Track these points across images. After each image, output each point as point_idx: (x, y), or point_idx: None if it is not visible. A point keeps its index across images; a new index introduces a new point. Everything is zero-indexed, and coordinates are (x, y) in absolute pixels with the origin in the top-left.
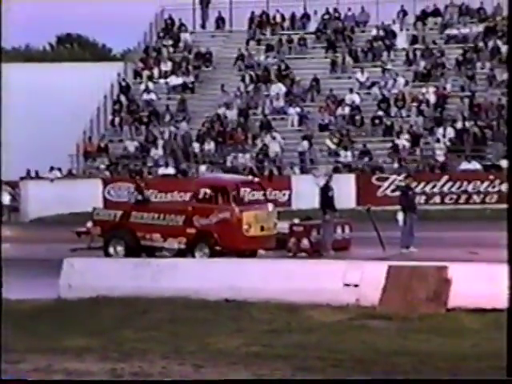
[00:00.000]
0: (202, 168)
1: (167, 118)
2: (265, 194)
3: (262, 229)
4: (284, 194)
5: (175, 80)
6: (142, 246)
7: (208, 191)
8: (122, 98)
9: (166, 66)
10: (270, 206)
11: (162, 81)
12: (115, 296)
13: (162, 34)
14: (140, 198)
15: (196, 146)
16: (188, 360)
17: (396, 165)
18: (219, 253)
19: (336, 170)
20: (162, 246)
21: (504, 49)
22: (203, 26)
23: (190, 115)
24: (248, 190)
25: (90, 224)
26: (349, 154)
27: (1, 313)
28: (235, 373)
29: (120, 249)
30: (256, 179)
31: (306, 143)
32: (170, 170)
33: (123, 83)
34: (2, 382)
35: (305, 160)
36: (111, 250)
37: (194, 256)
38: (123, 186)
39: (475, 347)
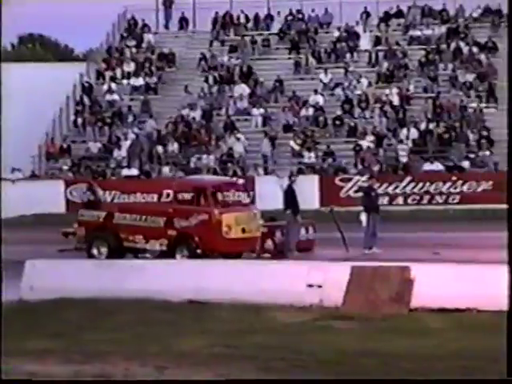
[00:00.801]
0: (165, 169)
1: (130, 118)
2: (249, 196)
3: (244, 231)
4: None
5: (138, 81)
6: (125, 248)
7: (188, 193)
8: (85, 99)
9: (129, 67)
10: (254, 208)
11: (124, 81)
12: (78, 298)
13: (124, 35)
14: (92, 198)
15: (159, 147)
16: (151, 361)
17: (359, 166)
18: (200, 255)
19: (300, 171)
20: (145, 247)
21: (466, 50)
22: (166, 27)
23: (153, 116)
24: (231, 191)
25: (76, 225)
26: (312, 154)
27: (1, 312)
28: (199, 374)
29: (104, 250)
30: (240, 180)
31: (269, 144)
32: (133, 172)
33: (86, 84)
34: (1, 382)
35: (268, 161)
36: (94, 251)
37: (174, 257)
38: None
39: (438, 347)
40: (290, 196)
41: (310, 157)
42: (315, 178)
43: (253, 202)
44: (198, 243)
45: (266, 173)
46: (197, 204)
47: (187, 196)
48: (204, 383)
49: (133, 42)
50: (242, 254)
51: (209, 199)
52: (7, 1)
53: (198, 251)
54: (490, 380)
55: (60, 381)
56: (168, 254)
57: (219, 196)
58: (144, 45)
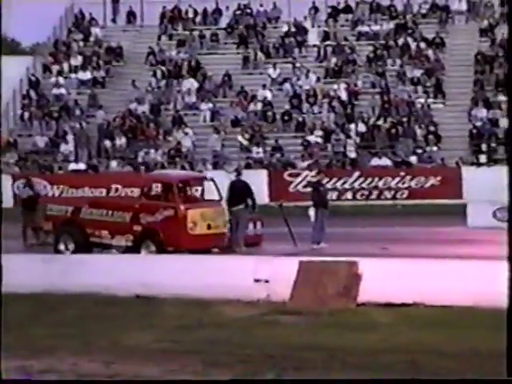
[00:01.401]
0: (113, 164)
1: (77, 112)
2: (218, 191)
3: (209, 227)
4: (196, 190)
5: (85, 75)
6: (92, 243)
7: (155, 188)
8: (32, 93)
9: (77, 61)
10: (218, 204)
11: (72, 75)
12: (24, 292)
13: (72, 29)
14: (31, 193)
15: (107, 141)
16: (98, 356)
17: (307, 161)
18: (166, 251)
19: (248, 166)
20: (110, 243)
21: (413, 46)
22: (114, 21)
23: (103, 107)
24: (198, 186)
25: (43, 219)
26: (261, 149)
27: (1, 312)
28: (146, 369)
29: (71, 245)
30: (209, 176)
31: (219, 139)
32: (81, 166)
33: (32, 78)
34: (2, 382)
35: (218, 156)
36: (61, 246)
37: (139, 253)
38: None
39: (384, 341)
40: (239, 190)
41: (258, 152)
42: (264, 173)
43: (202, 196)
44: (163, 239)
45: (215, 167)
46: (164, 199)
47: (154, 191)
48: (204, 383)
49: (80, 36)
50: (210, 251)
51: (175, 194)
52: (7, 1)
53: (164, 247)
54: (490, 380)
55: (60, 381)
56: (133, 249)
57: (186, 191)
58: (91, 39)
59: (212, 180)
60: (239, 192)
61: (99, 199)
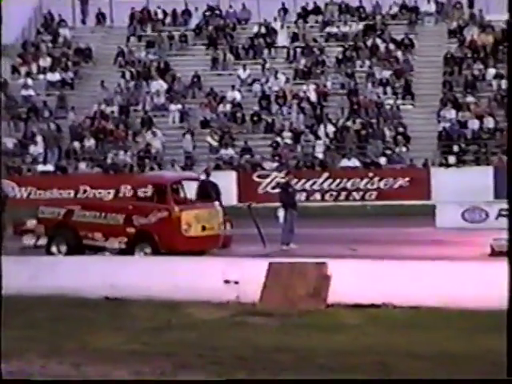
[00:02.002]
0: (82, 165)
1: (46, 114)
2: (212, 192)
3: (204, 228)
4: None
5: (54, 76)
6: (84, 245)
7: (148, 189)
8: (0, 95)
9: (45, 62)
10: (217, 205)
11: (40, 76)
12: None
13: (40, 30)
14: None
15: (76, 142)
16: (67, 359)
17: (276, 162)
18: (161, 253)
19: (217, 167)
20: (104, 245)
21: (382, 47)
22: (83, 22)
23: (69, 111)
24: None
25: (34, 222)
26: (230, 151)
27: (1, 310)
28: (116, 371)
29: (63, 248)
30: (195, 175)
31: (191, 140)
32: (49, 167)
33: (0, 79)
34: (2, 382)
35: (190, 157)
36: (54, 249)
37: (133, 255)
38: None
39: (354, 342)
40: (207, 191)
41: (227, 153)
42: (233, 174)
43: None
44: (157, 241)
45: (184, 169)
46: (157, 201)
47: (147, 193)
48: (204, 383)
49: (49, 37)
50: (204, 252)
51: (168, 196)
52: (7, 1)
53: (159, 249)
54: (490, 380)
55: (60, 381)
56: (127, 251)
57: (179, 193)
58: (60, 40)
59: (204, 181)
60: (208, 193)
61: (92, 201)
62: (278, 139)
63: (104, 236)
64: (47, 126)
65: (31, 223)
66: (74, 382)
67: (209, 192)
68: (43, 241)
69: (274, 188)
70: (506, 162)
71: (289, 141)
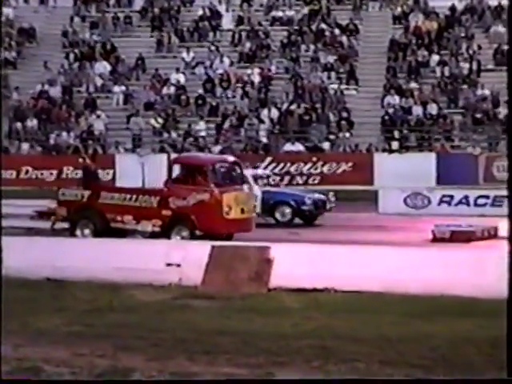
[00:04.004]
0: (24, 146)
1: None
2: (242, 174)
3: (243, 211)
4: (108, 173)
5: None
6: (112, 229)
7: (185, 170)
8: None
9: None
10: (247, 187)
11: None
12: None
13: None
14: None
15: (18, 123)
16: (8, 339)
17: (220, 146)
18: (199, 236)
19: (161, 150)
20: (135, 228)
21: (327, 32)
22: (26, 1)
23: (12, 91)
24: (228, 169)
25: (53, 204)
26: (174, 134)
27: (1, 307)
28: (55, 352)
29: (87, 231)
30: (232, 158)
31: (142, 122)
32: None
33: None
34: (2, 381)
35: (138, 139)
36: (78, 232)
37: (169, 239)
38: None
39: (295, 326)
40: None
41: (170, 136)
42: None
43: (113, 179)
44: (196, 224)
45: (127, 151)
46: (193, 183)
47: (182, 174)
48: (204, 383)
49: None
50: (233, 236)
51: (208, 178)
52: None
53: (197, 232)
54: (490, 380)
55: (60, 381)
56: (161, 234)
57: (217, 174)
58: (3, 19)
59: (237, 163)
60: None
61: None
62: (222, 122)
63: (135, 219)
64: None
65: (50, 205)
66: (74, 382)
67: (242, 175)
68: (62, 224)
69: None
70: (447, 149)
71: (233, 124)
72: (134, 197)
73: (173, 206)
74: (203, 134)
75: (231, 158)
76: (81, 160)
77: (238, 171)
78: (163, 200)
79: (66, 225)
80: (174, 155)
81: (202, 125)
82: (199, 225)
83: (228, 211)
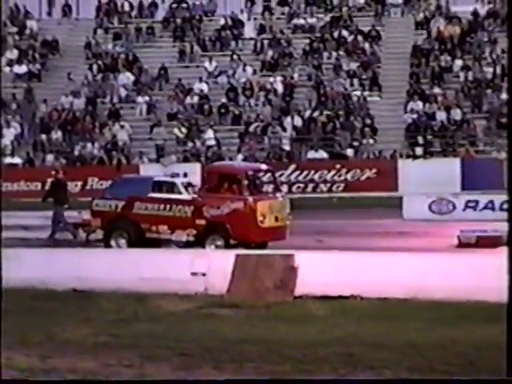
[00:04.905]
0: (49, 157)
1: (13, 106)
2: (275, 183)
3: (277, 219)
4: (76, 185)
5: (21, 68)
6: (147, 239)
7: (218, 179)
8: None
9: (12, 54)
10: (280, 195)
11: (7, 69)
12: None
13: (7, 22)
14: None
15: (43, 135)
16: (34, 351)
17: (242, 154)
18: (234, 245)
19: (185, 160)
20: (169, 238)
21: (349, 39)
22: (49, 14)
23: (36, 104)
24: (261, 178)
25: (87, 216)
26: (197, 143)
27: (1, 309)
28: (82, 363)
29: (122, 241)
30: (265, 167)
31: (160, 132)
32: (16, 160)
33: None
34: (2, 382)
35: (162, 149)
36: (113, 242)
37: (204, 248)
38: None
39: (321, 334)
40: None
41: (194, 145)
42: (198, 167)
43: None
44: (231, 233)
45: (152, 161)
46: (227, 191)
47: (216, 183)
48: (204, 383)
49: (15, 29)
50: (267, 244)
51: (243, 186)
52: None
53: (232, 241)
54: (490, 380)
55: (60, 381)
56: (196, 244)
57: (251, 183)
58: (27, 32)
59: (271, 171)
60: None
61: None
62: (245, 131)
63: (170, 229)
64: (20, 117)
65: (86, 217)
66: (74, 382)
67: (276, 182)
68: (96, 235)
69: None
70: (472, 154)
71: (256, 132)
72: (168, 207)
73: (207, 215)
74: (212, 142)
75: (264, 167)
76: (53, 172)
77: (272, 179)
78: (197, 209)
79: (100, 236)
80: (195, 164)
81: (210, 133)
82: (234, 234)
83: (262, 220)
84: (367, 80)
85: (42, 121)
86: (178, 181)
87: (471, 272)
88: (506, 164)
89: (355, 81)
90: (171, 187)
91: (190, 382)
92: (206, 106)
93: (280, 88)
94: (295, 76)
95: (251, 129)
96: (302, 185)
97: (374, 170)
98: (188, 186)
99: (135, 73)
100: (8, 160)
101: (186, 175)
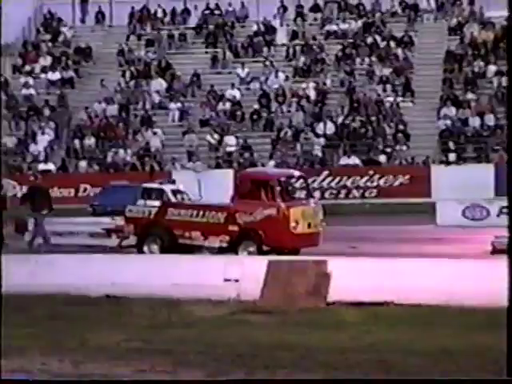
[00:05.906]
0: (82, 164)
1: (47, 113)
2: (308, 189)
3: (309, 225)
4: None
5: (55, 75)
6: (180, 245)
7: (251, 186)
8: (1, 94)
9: (46, 61)
10: (313, 202)
11: (41, 75)
12: None
13: (41, 29)
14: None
15: (76, 141)
16: (68, 356)
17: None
18: (266, 251)
19: (217, 166)
20: (202, 244)
21: (382, 44)
22: (83, 21)
23: (70, 110)
24: (293, 184)
25: (121, 222)
26: (230, 149)
27: (1, 308)
28: (116, 368)
29: (155, 247)
30: (297, 173)
31: (192, 138)
32: (50, 166)
33: (1, 78)
34: (2, 382)
35: (193, 155)
36: (146, 248)
37: (237, 254)
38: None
39: (354, 340)
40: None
41: (227, 151)
42: (230, 173)
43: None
44: (264, 239)
45: (184, 167)
46: (260, 198)
47: (249, 189)
48: (205, 383)
49: (49, 36)
50: (299, 250)
51: (276, 192)
52: (7, 0)
53: (264, 247)
54: (490, 380)
55: (60, 381)
56: (229, 250)
57: (284, 189)
58: (60, 39)
59: (303, 178)
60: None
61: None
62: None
63: (203, 235)
64: (48, 125)
65: (119, 223)
66: (74, 382)
67: (308, 188)
68: (130, 241)
69: None
70: (506, 160)
71: (288, 139)
72: (202, 213)
73: (240, 221)
74: (233, 149)
75: (297, 173)
76: (32, 178)
77: (304, 185)
78: (230, 216)
79: (133, 241)
80: (228, 170)
81: (232, 139)
82: (267, 240)
83: (295, 226)
84: (400, 86)
85: (76, 127)
86: (167, 188)
87: (506, 278)
88: None
89: (388, 87)
90: (160, 194)
91: (190, 381)
92: (239, 112)
93: (312, 94)
94: (328, 82)
95: (282, 134)
96: (334, 191)
97: (406, 176)
98: (176, 192)
99: (168, 79)
100: (41, 166)
101: (174, 182)
